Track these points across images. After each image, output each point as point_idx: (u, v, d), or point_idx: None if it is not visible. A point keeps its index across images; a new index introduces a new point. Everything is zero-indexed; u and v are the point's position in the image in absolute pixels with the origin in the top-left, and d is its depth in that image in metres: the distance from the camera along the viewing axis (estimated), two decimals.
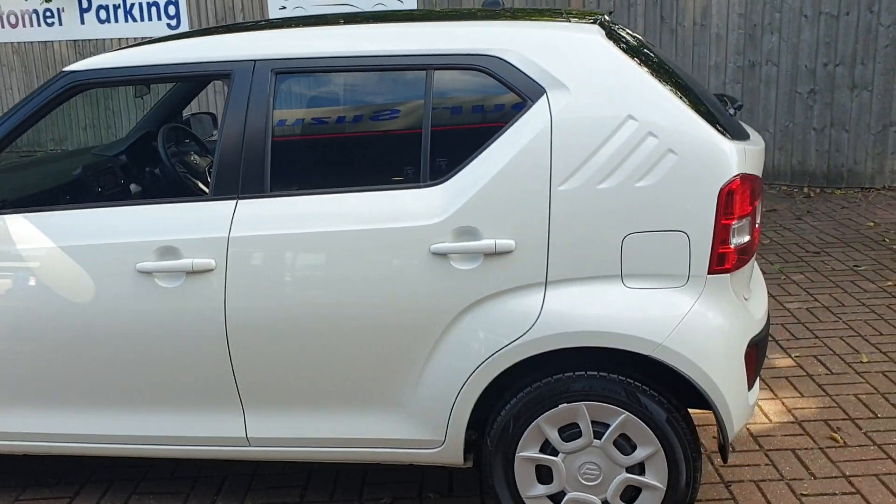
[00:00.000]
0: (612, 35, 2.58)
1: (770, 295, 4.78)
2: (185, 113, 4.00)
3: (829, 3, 6.94)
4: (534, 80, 2.45)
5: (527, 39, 2.49)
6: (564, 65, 2.46)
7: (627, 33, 2.91)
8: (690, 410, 2.70)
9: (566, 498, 2.57)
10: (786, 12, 7.07)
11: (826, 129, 7.16)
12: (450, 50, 2.51)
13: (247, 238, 2.52)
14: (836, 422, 3.38)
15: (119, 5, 10.44)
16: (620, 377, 2.44)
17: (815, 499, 2.89)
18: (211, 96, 9.39)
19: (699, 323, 2.40)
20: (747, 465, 3.10)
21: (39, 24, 10.94)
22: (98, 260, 2.61)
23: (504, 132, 2.45)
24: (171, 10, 10.19)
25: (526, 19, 2.63)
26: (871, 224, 6.14)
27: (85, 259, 2.61)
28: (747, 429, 3.35)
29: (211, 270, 2.54)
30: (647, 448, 2.48)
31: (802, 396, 3.60)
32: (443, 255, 2.44)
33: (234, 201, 2.56)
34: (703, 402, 2.51)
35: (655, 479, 2.51)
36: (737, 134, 2.58)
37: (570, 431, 2.52)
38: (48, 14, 10.80)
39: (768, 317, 2.72)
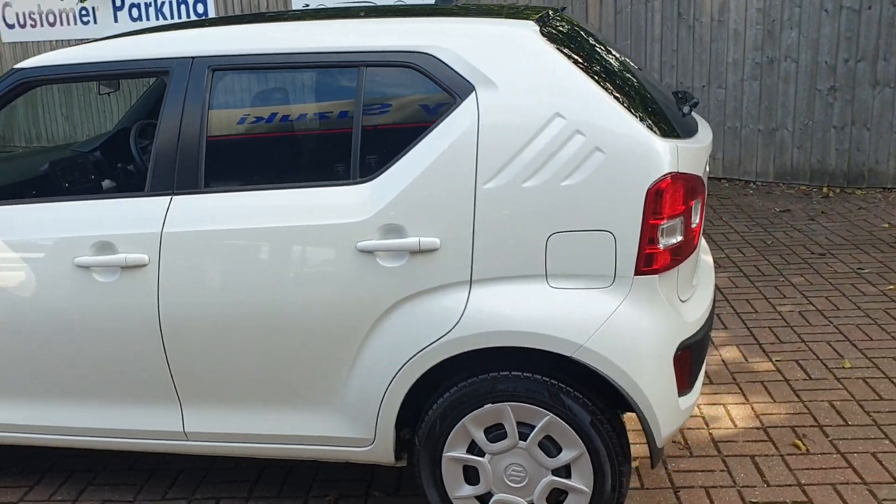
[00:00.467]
0: (549, 31, 2.54)
1: (763, 297, 4.66)
2: None
3: None
4: (463, 78, 2.43)
5: (459, 36, 2.47)
6: (494, 62, 2.43)
7: (576, 29, 2.86)
8: (631, 415, 2.66)
9: (493, 499, 2.55)
10: (806, 7, 6.88)
11: (847, 128, 6.95)
12: (382, 47, 2.49)
13: (178, 234, 2.55)
14: (803, 428, 3.29)
15: (150, 3, 10.66)
16: (544, 378, 2.41)
17: None
18: None
19: (624, 325, 2.35)
20: (701, 471, 3.03)
21: (76, 23, 11.23)
22: (40, 254, 2.66)
23: (432, 130, 2.44)
24: (200, 7, 10.37)
25: (462, 16, 2.60)
26: (887, 225, 5.95)
27: (28, 252, 2.67)
28: (709, 434, 3.28)
29: (144, 266, 2.57)
30: (572, 451, 2.44)
31: (774, 402, 3.51)
32: (369, 252, 2.44)
33: (169, 197, 2.59)
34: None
35: (581, 483, 2.47)
36: (680, 132, 2.52)
37: (496, 432, 2.49)
38: (84, 13, 11.07)
39: (709, 319, 2.65)
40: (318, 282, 2.47)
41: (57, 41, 11.33)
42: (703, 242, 3.22)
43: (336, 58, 2.52)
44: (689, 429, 3.32)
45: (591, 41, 2.83)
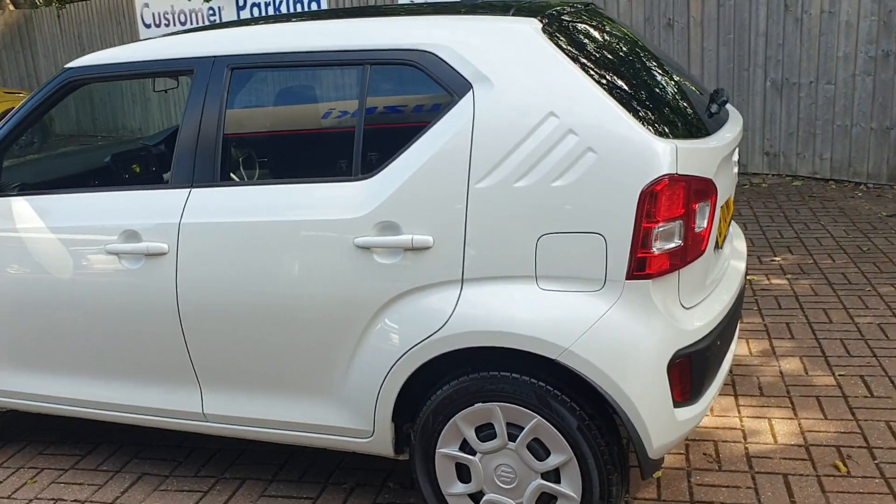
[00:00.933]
0: (554, 28, 2.49)
1: (843, 307, 4.38)
2: None
3: None
4: (461, 76, 2.43)
5: (459, 34, 2.47)
6: (492, 60, 2.41)
7: (597, 24, 2.79)
8: None
9: (484, 499, 2.54)
10: None
11: None
12: (386, 45, 2.52)
13: (194, 225, 2.67)
14: (849, 449, 3.08)
15: (269, 3, 11.11)
16: (532, 380, 2.37)
17: None
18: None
19: (612, 330, 2.29)
20: (726, 486, 2.90)
21: (204, 21, 11.85)
22: (78, 240, 2.85)
23: (430, 128, 2.45)
24: (314, 6, 10.72)
25: (467, 12, 2.59)
26: None
27: (68, 238, 2.86)
28: (745, 448, 3.12)
29: (164, 254, 2.71)
30: (560, 455, 2.40)
31: (825, 419, 3.30)
32: (366, 248, 2.48)
33: (188, 190, 2.72)
34: None
35: (570, 489, 2.42)
36: (692, 132, 2.43)
37: (486, 432, 2.48)
38: (210, 12, 11.67)
39: (722, 327, 2.52)
40: (317, 275, 2.53)
41: None
42: (734, 246, 3.07)
43: (343, 56, 2.57)
44: (724, 441, 3.18)
45: (611, 38, 2.76)
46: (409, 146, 2.46)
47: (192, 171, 2.71)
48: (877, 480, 2.87)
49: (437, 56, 2.46)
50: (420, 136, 2.45)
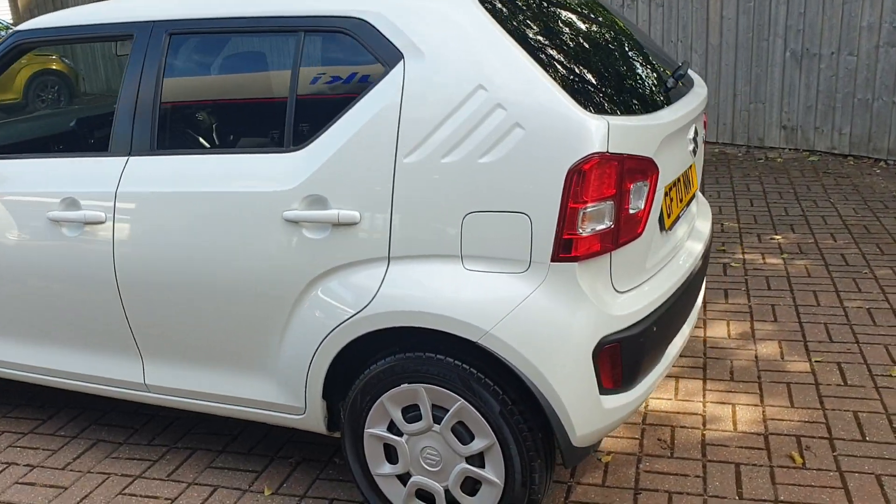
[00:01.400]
0: None
1: (834, 290, 4.23)
2: None
3: None
4: (393, 45, 2.34)
5: (392, 2, 2.37)
6: (424, 30, 2.31)
7: None
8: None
9: (410, 480, 2.49)
10: None
11: None
12: (319, 11, 2.44)
13: (128, 194, 2.64)
14: (810, 440, 2.97)
15: None
16: (456, 362, 2.31)
17: None
18: None
19: (534, 313, 2.20)
20: (674, 474, 2.82)
21: None
22: (23, 206, 2.84)
23: (360, 99, 2.37)
24: None
25: None
26: None
27: (14, 203, 2.85)
28: (702, 435, 3.03)
29: (102, 223, 2.68)
30: (484, 440, 2.33)
31: (791, 407, 3.19)
32: (295, 222, 2.42)
33: (126, 158, 2.68)
34: None
35: (493, 474, 2.36)
36: (636, 108, 2.32)
37: (413, 413, 2.43)
38: None
39: (660, 312, 2.42)
40: (248, 248, 2.48)
41: None
42: (696, 226, 2.96)
43: (277, 23, 2.49)
44: (682, 427, 3.09)
45: (561, 8, 2.63)
46: (339, 118, 2.38)
47: (131, 139, 2.67)
48: (831, 473, 2.77)
49: (369, 24, 2.37)
50: (350, 108, 2.37)
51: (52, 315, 2.89)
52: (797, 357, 3.58)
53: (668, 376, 3.46)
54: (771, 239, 5.09)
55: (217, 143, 2.60)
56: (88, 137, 3.71)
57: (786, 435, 3.01)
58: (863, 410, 3.13)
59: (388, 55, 2.34)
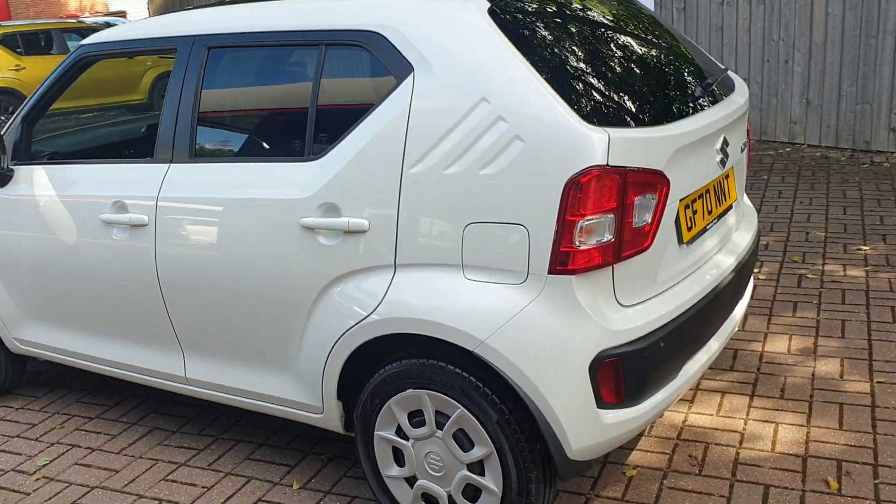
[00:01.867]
0: (503, 9, 2.39)
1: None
2: None
3: None
4: (405, 58, 2.39)
5: (407, 15, 2.42)
6: (435, 42, 2.35)
7: (574, 1, 2.64)
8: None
9: (416, 484, 2.53)
10: None
11: None
12: (339, 26, 2.52)
13: (168, 199, 2.80)
14: (852, 465, 2.82)
15: None
16: (457, 370, 2.33)
17: None
18: None
19: (530, 324, 2.20)
20: (698, 493, 2.74)
21: None
22: (82, 207, 3.06)
23: (372, 110, 2.43)
24: None
25: None
26: None
27: (75, 205, 3.07)
28: (736, 454, 2.93)
29: (145, 226, 2.86)
30: (483, 448, 2.35)
31: (839, 429, 3.03)
32: (311, 229, 2.51)
33: (168, 165, 2.84)
34: None
35: (492, 483, 2.37)
36: (655, 119, 2.29)
37: (418, 418, 2.47)
38: None
39: (664, 329, 2.34)
40: (269, 252, 2.59)
41: None
42: (733, 239, 2.87)
43: (301, 37, 2.59)
44: (716, 444, 3.00)
45: (578, 15, 2.60)
46: (353, 129, 2.46)
47: (172, 147, 2.83)
48: (867, 502, 2.62)
49: (383, 37, 2.43)
50: (363, 119, 2.44)
51: (106, 309, 3.10)
52: (858, 377, 3.39)
53: (714, 391, 3.36)
54: (857, 250, 4.83)
55: (246, 152, 2.73)
56: (144, 144, 3.94)
57: (826, 458, 2.87)
58: None
59: (400, 68, 2.39)
